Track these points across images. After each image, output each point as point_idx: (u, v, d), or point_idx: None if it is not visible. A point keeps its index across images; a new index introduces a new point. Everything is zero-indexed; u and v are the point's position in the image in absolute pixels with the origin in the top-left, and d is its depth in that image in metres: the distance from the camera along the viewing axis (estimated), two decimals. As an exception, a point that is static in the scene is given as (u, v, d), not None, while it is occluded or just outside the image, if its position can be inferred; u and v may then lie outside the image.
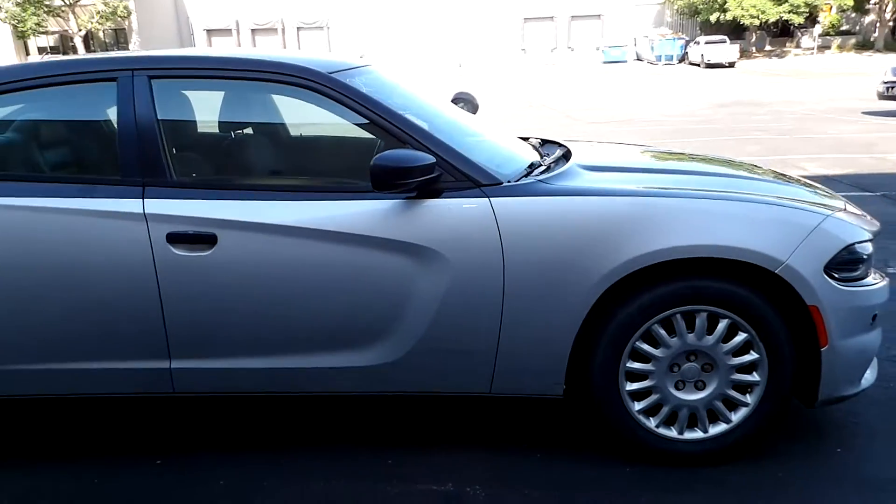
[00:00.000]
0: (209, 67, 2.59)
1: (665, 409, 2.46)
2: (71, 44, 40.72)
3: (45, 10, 37.98)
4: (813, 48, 37.29)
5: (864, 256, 2.40)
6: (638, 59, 40.35)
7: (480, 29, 42.11)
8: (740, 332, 2.37)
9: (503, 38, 42.64)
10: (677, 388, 2.45)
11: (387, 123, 2.40)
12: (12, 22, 37.68)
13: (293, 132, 3.08)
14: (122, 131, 2.43)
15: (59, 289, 2.38)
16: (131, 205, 2.36)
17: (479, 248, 2.32)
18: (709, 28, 38.78)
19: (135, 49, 40.60)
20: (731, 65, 34.06)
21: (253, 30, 43.25)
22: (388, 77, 3.07)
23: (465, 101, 3.77)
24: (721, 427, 2.46)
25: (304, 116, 2.76)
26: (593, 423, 2.56)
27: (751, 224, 2.33)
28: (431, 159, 2.27)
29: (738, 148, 9.90)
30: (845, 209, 2.54)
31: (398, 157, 2.22)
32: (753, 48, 39.23)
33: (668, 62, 37.28)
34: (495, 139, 2.99)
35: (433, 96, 3.33)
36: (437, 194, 2.35)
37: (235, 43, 43.39)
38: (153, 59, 2.56)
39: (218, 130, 2.91)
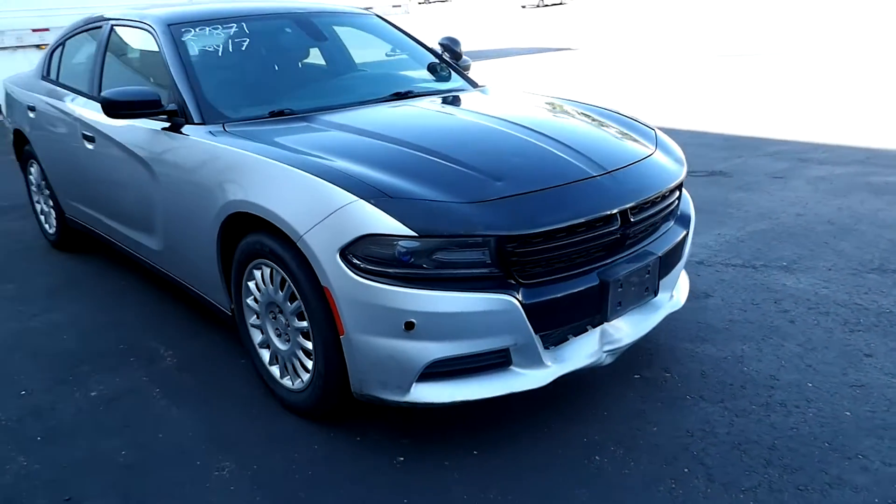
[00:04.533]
0: None
1: (270, 350, 2.65)
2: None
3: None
4: None
5: (403, 252, 2.09)
6: None
7: None
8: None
9: None
10: (277, 334, 2.60)
11: (165, 68, 3.08)
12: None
13: (123, 64, 3.68)
14: None
15: None
16: None
17: (168, 172, 2.90)
18: None
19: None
20: None
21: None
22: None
23: (448, 48, 3.93)
24: (301, 384, 2.53)
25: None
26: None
27: (294, 192, 2.28)
28: (153, 96, 2.85)
29: None
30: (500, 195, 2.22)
31: (121, 93, 2.83)
32: None
33: None
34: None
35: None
36: (180, 126, 2.94)
37: None
38: None
39: None
